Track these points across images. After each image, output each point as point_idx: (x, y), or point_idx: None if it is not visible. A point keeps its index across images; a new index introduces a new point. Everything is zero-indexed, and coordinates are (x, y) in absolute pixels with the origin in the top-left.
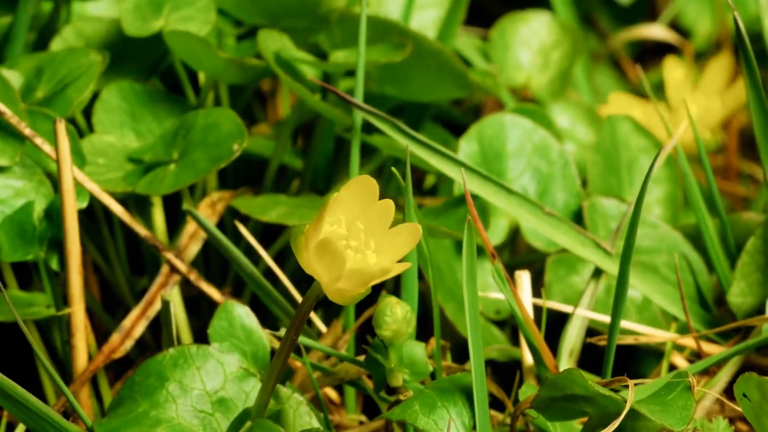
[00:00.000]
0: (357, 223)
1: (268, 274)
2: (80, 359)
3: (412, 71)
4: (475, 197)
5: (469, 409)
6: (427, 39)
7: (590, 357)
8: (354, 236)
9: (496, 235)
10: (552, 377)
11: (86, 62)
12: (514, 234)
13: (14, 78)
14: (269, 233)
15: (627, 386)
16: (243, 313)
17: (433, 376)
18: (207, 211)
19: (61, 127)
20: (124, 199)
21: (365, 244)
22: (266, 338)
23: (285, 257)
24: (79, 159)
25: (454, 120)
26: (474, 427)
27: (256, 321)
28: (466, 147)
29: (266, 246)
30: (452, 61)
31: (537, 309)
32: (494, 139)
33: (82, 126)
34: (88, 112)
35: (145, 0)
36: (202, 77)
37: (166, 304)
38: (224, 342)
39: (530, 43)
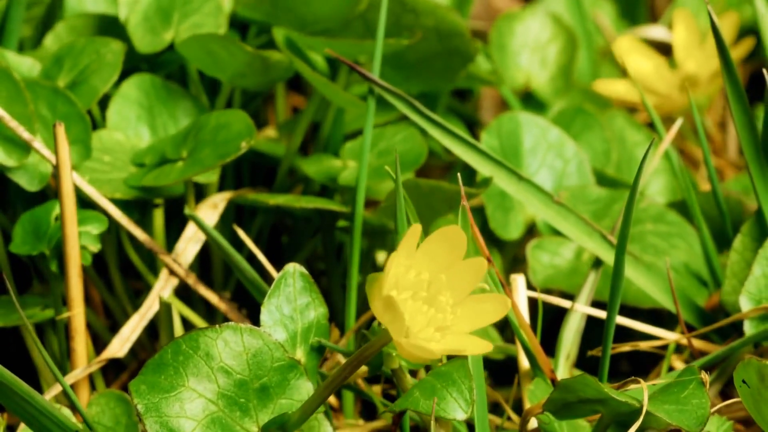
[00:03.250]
0: (441, 277)
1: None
2: (79, 363)
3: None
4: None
5: (469, 385)
6: None
7: (586, 352)
8: (436, 290)
9: (513, 230)
10: (564, 381)
11: (107, 51)
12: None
13: (32, 65)
14: (270, 237)
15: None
16: (302, 283)
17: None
18: (208, 211)
19: (61, 131)
20: (122, 203)
21: (446, 301)
22: (322, 315)
23: (283, 261)
24: (85, 150)
25: (464, 117)
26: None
27: (316, 292)
28: (488, 139)
29: (267, 252)
30: (449, 16)
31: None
32: (511, 136)
33: (97, 117)
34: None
35: (153, 10)
36: (194, 75)
37: (166, 307)
38: (277, 323)
39: (526, 42)
